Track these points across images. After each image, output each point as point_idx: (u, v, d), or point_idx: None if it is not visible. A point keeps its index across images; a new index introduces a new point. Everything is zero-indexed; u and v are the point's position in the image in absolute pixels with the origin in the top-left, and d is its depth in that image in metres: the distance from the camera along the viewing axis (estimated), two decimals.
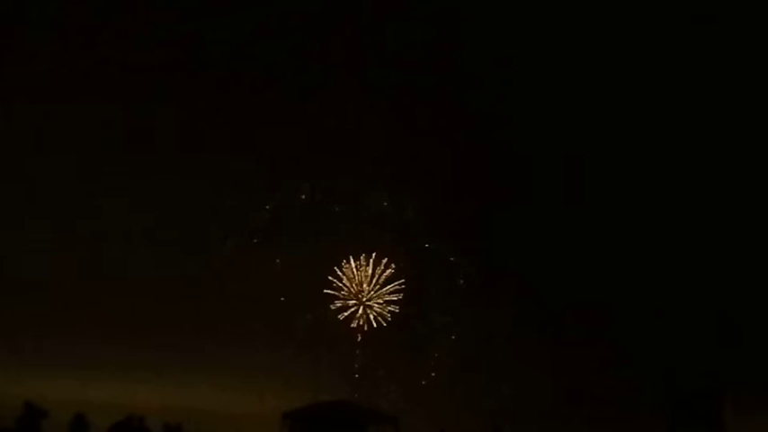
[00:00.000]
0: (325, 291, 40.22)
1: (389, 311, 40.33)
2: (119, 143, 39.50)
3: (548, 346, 38.51)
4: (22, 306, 37.74)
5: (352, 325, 40.18)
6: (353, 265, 40.56)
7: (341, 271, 40.43)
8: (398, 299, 40.40)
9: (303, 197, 41.39)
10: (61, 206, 38.83)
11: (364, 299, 40.48)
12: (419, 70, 39.89)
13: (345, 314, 40.28)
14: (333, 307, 40.25)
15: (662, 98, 38.78)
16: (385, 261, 40.52)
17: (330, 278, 40.28)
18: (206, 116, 40.31)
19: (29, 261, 38.27)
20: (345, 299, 40.43)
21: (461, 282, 40.66)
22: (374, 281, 40.52)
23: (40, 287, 38.08)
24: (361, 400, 37.55)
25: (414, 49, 39.97)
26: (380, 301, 40.47)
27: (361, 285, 40.55)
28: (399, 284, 40.55)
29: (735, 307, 37.51)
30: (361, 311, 40.36)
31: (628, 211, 38.94)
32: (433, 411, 37.37)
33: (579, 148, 39.26)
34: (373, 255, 40.54)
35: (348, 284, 40.52)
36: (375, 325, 40.29)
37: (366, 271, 40.58)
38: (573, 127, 39.26)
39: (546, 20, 39.05)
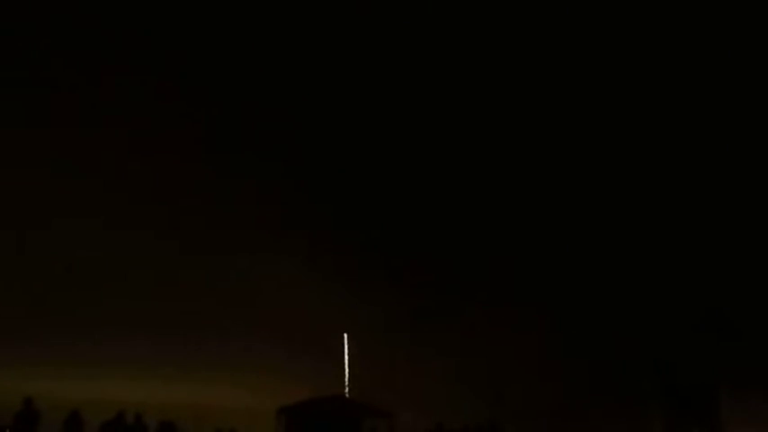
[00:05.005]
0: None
1: None
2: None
3: (543, 341, 38.65)
4: (22, 303, 37.97)
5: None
6: None
7: None
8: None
9: None
10: (66, 208, 39.18)
11: None
12: None
13: None
14: None
15: (657, 99, 38.99)
16: None
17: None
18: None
19: (32, 260, 38.57)
20: None
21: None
22: None
23: (42, 285, 38.34)
24: (356, 396, 37.65)
25: None
26: None
27: None
28: None
29: (730, 300, 37.64)
30: None
31: (624, 206, 39.11)
32: (429, 407, 37.47)
33: (576, 142, 39.55)
34: None
35: None
36: None
37: None
38: (571, 128, 39.60)
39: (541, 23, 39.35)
